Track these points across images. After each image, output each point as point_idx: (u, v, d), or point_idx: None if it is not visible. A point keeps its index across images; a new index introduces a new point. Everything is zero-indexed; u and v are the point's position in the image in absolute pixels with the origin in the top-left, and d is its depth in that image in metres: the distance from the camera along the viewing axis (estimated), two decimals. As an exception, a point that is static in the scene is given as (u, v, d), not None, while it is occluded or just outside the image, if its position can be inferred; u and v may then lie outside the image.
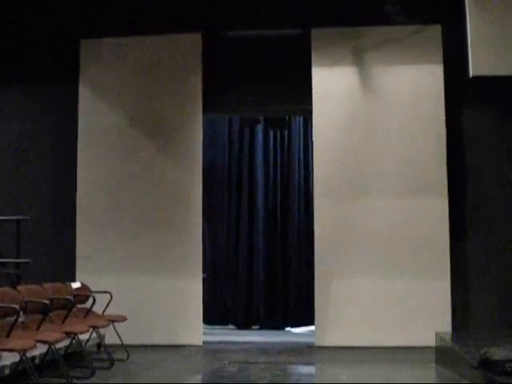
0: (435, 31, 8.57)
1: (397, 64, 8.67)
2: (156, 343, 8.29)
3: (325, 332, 8.44)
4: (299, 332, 10.16)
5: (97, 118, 8.95)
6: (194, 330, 8.61)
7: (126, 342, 7.34)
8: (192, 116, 8.91)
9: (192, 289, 8.65)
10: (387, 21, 8.33)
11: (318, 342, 8.47)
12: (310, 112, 9.19)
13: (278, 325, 10.33)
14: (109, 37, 8.97)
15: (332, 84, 8.74)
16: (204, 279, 10.75)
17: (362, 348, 8.10)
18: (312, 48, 8.70)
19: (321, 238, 8.57)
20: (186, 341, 8.47)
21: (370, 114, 8.64)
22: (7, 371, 5.67)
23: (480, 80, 7.65)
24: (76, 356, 6.78)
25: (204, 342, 8.64)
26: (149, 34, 8.92)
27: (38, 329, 6.04)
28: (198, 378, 6.89)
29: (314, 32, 8.73)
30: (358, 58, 8.69)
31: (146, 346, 8.02)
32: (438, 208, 8.39)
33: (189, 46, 8.91)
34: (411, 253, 8.35)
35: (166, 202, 8.79)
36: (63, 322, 6.57)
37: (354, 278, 8.43)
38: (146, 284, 8.63)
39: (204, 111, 9.05)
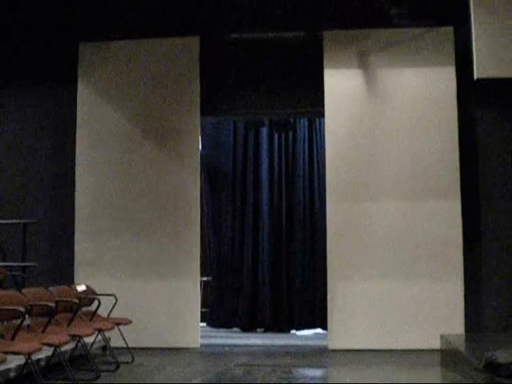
0: (448, 33, 8.56)
1: (409, 66, 8.66)
2: (155, 346, 8.30)
3: (337, 335, 8.42)
4: (304, 335, 10.15)
5: (95, 121, 8.98)
6: (192, 333, 8.63)
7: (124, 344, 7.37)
8: (190, 118, 8.93)
9: (190, 291, 8.67)
10: (399, 23, 8.32)
11: (331, 345, 8.45)
12: (316, 114, 9.22)
13: (283, 327, 10.32)
14: (107, 40, 8.99)
15: (344, 86, 8.72)
16: (208, 282, 10.84)
17: (374, 351, 8.09)
18: (324, 50, 8.70)
19: (333, 240, 8.55)
20: (183, 343, 8.49)
21: (382, 116, 8.64)
22: (13, 374, 5.69)
23: (493, 81, 7.64)
24: (81, 359, 6.80)
25: (205, 345, 8.66)
26: (148, 37, 8.94)
27: (43, 331, 6.05)
28: (204, 380, 6.87)
29: (326, 34, 8.73)
30: (370, 60, 8.68)
31: (146, 349, 8.02)
32: (450, 210, 8.37)
33: (187, 48, 8.93)
34: (424, 255, 8.33)
35: (164, 204, 8.80)
36: (69, 324, 6.59)
37: (366, 280, 8.42)
38: (144, 287, 8.63)
39: (208, 114, 9.13)
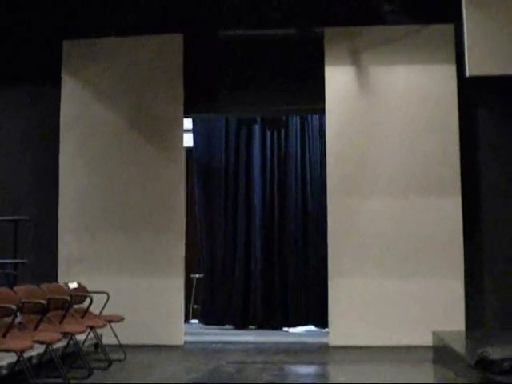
0: (448, 31, 8.55)
1: (410, 63, 8.67)
2: (140, 343, 8.22)
3: (338, 332, 8.41)
4: (297, 332, 10.15)
5: (79, 119, 8.96)
6: (176, 330, 8.63)
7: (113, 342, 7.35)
8: (174, 115, 8.92)
9: (173, 288, 8.66)
10: (400, 20, 8.32)
11: (332, 341, 8.44)
12: (312, 111, 9.34)
13: (276, 325, 10.32)
14: (92, 38, 8.95)
15: (345, 83, 8.74)
16: (200, 279, 10.84)
17: (376, 348, 8.09)
18: (325, 47, 8.70)
19: (335, 237, 8.55)
20: (167, 341, 8.48)
21: (383, 113, 8.65)
22: (4, 372, 5.66)
23: (495, 79, 7.63)
24: (73, 356, 6.77)
25: (189, 343, 8.68)
26: (135, 35, 8.92)
27: (35, 329, 6.03)
28: (197, 377, 6.87)
29: (327, 31, 8.73)
30: (370, 58, 8.68)
31: (133, 346, 7.96)
32: (451, 207, 8.38)
33: (171, 46, 8.92)
34: (424, 252, 8.34)
35: (149, 201, 8.80)
36: (60, 322, 6.57)
37: (368, 278, 8.41)
38: (129, 284, 8.59)
39: (204, 111, 9.22)
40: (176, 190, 8.86)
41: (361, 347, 8.16)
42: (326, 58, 8.70)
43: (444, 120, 8.52)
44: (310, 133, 10.60)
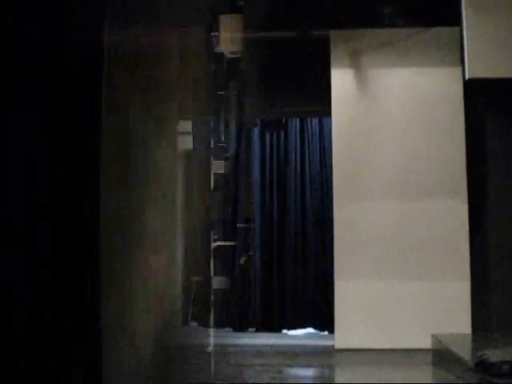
0: (454, 33, 8.50)
1: (416, 65, 8.66)
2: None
3: (344, 334, 8.37)
4: (296, 334, 10.14)
5: None
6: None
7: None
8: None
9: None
10: (404, 23, 8.33)
11: (338, 344, 8.40)
12: (308, 114, 9.30)
13: (275, 327, 10.30)
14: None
15: (350, 85, 8.74)
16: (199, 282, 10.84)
17: (381, 350, 8.07)
18: (331, 50, 8.71)
19: (340, 239, 8.52)
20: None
21: (389, 115, 8.65)
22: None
23: (501, 81, 7.64)
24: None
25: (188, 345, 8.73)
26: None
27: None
28: (195, 380, 6.87)
29: (332, 34, 8.74)
30: (374, 60, 8.67)
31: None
32: (457, 209, 8.37)
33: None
34: (430, 255, 8.32)
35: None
36: (60, 324, 6.56)
37: (372, 280, 8.39)
38: None
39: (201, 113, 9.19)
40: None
41: (366, 350, 8.14)
42: (332, 61, 8.71)
43: (450, 122, 8.50)
44: (310, 135, 10.59)
